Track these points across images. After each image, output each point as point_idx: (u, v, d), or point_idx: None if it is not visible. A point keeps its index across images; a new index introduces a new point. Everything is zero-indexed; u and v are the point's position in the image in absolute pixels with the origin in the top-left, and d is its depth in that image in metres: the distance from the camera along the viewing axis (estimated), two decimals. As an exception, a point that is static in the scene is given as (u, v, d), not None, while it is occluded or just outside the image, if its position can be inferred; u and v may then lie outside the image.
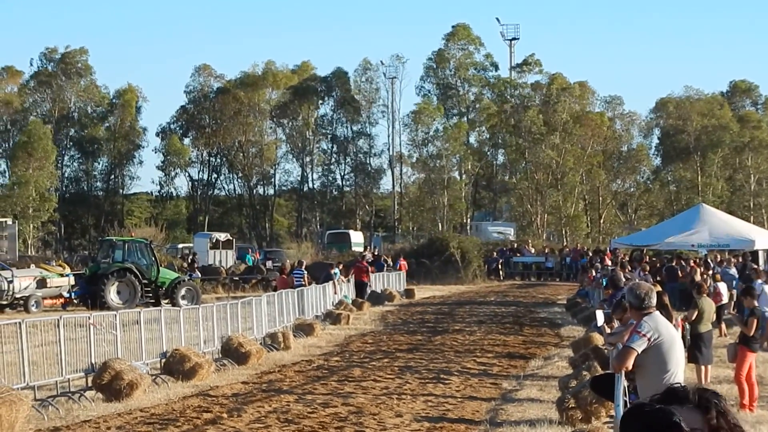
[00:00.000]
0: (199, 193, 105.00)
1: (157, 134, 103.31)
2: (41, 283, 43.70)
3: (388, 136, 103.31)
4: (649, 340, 9.79)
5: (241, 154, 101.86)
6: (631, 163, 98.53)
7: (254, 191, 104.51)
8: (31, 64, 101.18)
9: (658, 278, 36.87)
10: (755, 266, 35.68)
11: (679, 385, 3.64)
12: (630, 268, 38.07)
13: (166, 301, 44.67)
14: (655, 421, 3.36)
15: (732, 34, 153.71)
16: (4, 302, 42.50)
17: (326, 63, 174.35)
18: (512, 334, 32.60)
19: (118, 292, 44.76)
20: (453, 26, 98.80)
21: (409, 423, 16.33)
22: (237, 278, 59.87)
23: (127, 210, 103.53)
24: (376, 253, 63.71)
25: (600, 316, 17.56)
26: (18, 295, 42.66)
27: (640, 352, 9.81)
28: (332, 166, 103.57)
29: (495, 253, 70.77)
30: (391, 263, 60.81)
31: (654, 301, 10.32)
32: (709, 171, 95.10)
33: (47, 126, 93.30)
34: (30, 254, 75.12)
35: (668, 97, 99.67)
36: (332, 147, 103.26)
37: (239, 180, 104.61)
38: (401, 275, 57.09)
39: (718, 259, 45.37)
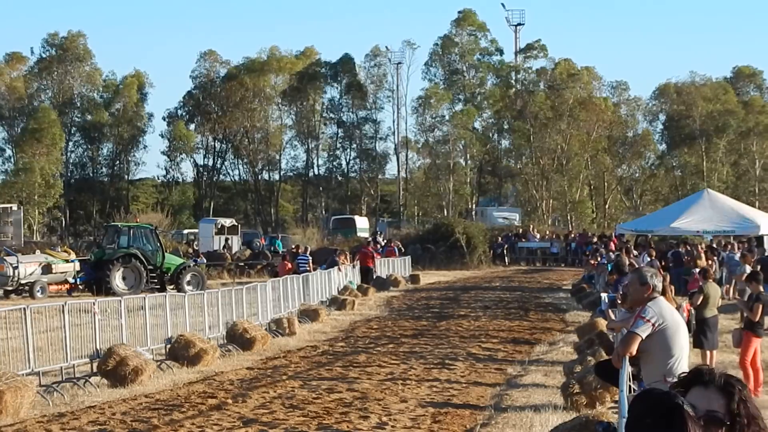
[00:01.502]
0: (204, 178, 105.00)
1: (164, 118, 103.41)
2: (46, 269, 43.76)
3: (394, 122, 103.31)
4: (653, 325, 9.77)
5: (247, 140, 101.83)
6: (636, 148, 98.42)
7: (260, 177, 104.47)
8: (32, 53, 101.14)
9: (663, 263, 36.86)
10: (745, 253, 35.48)
11: (707, 367, 3.66)
12: (635, 254, 38.02)
13: (172, 286, 44.73)
14: (660, 403, 3.38)
15: (735, 19, 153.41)
16: (10, 288, 42.57)
17: (330, 49, 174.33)
18: (517, 319, 32.60)
19: (124, 278, 44.82)
20: (459, 12, 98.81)
21: (413, 408, 16.33)
22: (242, 264, 59.89)
23: (133, 196, 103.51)
24: (384, 239, 63.47)
25: (605, 299, 17.59)
26: (23, 281, 42.75)
27: (644, 338, 9.79)
28: (338, 152, 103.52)
29: (500, 239, 70.70)
30: (402, 249, 60.64)
31: (660, 286, 10.30)
32: (714, 156, 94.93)
33: (54, 111, 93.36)
34: (35, 240, 75.11)
35: (668, 82, 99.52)
36: (338, 132, 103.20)
37: (245, 166, 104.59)
38: (407, 260, 57.05)
39: (723, 244, 45.32)
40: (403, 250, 59.84)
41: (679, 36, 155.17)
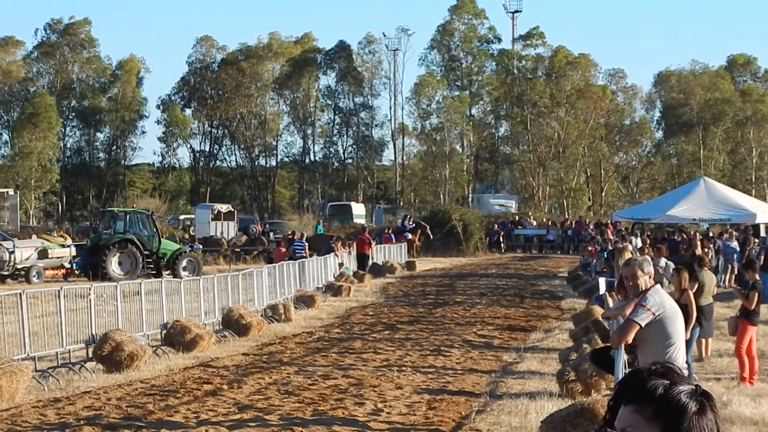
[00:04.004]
0: (200, 164, 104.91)
1: (158, 106, 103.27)
2: (42, 253, 43.72)
3: (390, 108, 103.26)
4: (653, 314, 9.75)
5: (243, 126, 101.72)
6: (633, 136, 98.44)
7: (256, 163, 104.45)
8: (35, 35, 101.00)
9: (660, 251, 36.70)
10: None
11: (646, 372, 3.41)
12: (634, 240, 37.92)
13: (168, 272, 44.71)
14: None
15: (732, 6, 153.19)
16: (6, 273, 42.54)
17: (329, 36, 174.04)
18: (513, 306, 32.60)
19: (120, 263, 44.78)
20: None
21: (409, 395, 16.32)
22: (238, 250, 59.86)
23: (129, 181, 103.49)
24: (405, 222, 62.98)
25: (602, 284, 17.56)
26: (19, 266, 42.71)
27: (643, 326, 9.78)
28: (334, 138, 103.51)
29: (496, 226, 70.67)
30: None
31: (653, 273, 10.32)
32: (711, 144, 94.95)
33: (51, 97, 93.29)
34: (31, 225, 75.10)
35: (668, 70, 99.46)
36: (335, 119, 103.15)
37: (241, 151, 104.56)
38: (403, 247, 57.00)
39: (719, 233, 45.33)
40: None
41: (675, 24, 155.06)
